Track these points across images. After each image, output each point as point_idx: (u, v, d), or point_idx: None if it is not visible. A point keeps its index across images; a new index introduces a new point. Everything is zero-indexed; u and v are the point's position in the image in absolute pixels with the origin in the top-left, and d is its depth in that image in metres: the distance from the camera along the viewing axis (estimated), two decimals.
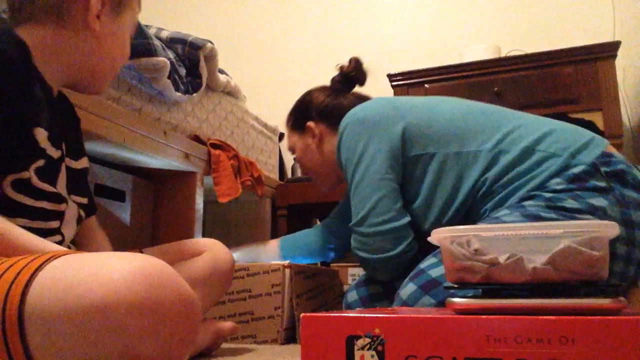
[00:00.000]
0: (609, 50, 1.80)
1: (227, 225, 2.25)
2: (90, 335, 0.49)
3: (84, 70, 0.83)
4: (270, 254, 1.42)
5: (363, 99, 1.29)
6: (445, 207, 1.02)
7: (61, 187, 0.77)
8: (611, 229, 0.49)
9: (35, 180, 0.71)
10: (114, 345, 0.49)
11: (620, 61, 1.92)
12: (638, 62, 1.97)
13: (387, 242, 1.02)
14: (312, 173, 1.36)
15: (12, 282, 0.53)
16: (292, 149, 1.37)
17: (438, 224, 1.02)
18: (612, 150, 0.95)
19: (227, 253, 1.02)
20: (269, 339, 1.11)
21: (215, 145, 1.65)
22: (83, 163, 0.87)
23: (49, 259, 0.55)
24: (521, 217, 0.87)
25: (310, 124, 1.29)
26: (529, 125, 1.00)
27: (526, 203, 0.90)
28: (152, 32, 1.42)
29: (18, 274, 0.53)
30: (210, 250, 1.00)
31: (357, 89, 1.35)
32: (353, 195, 1.07)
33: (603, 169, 0.90)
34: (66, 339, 0.50)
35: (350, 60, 1.33)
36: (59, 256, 0.56)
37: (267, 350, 1.00)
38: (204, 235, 1.66)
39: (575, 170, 0.90)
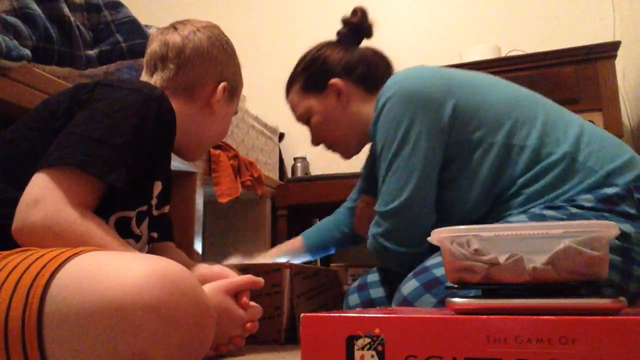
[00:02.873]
0: (609, 50, 1.81)
1: (227, 225, 2.25)
2: (104, 334, 0.49)
3: (193, 139, 0.96)
4: (298, 253, 1.36)
5: (380, 54, 1.19)
6: (480, 200, 0.95)
7: (144, 227, 0.87)
8: (611, 229, 0.49)
9: (133, 223, 0.81)
10: (127, 346, 0.49)
11: (620, 61, 1.92)
12: (638, 62, 1.97)
13: (416, 237, 0.95)
14: (333, 139, 1.20)
15: (37, 274, 0.54)
16: (305, 116, 1.19)
17: (469, 216, 0.97)
18: None
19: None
20: (269, 339, 1.11)
21: (215, 146, 1.65)
22: (164, 209, 0.97)
23: (75, 254, 0.56)
24: None
25: (336, 80, 1.13)
26: (571, 123, 0.95)
27: (548, 213, 0.86)
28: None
29: (43, 267, 0.55)
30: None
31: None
32: (388, 178, 0.97)
33: (636, 195, 0.85)
34: (80, 336, 0.50)
35: (356, 11, 1.19)
36: (85, 252, 0.57)
37: (267, 350, 1.00)
38: (204, 235, 1.66)
39: (609, 191, 0.86)
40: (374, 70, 1.15)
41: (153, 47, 0.96)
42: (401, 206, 0.95)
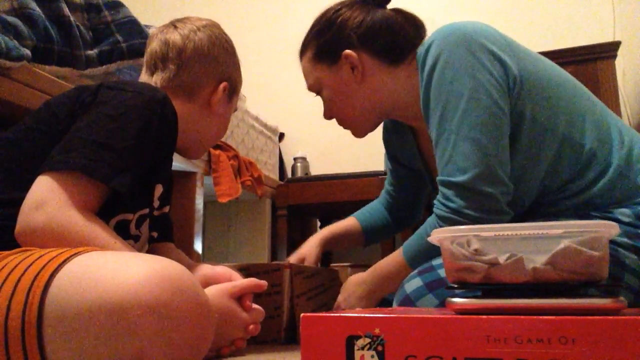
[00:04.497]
0: (609, 50, 1.80)
1: (227, 225, 2.25)
2: (104, 334, 0.49)
3: (193, 139, 0.96)
4: (356, 240, 1.26)
5: (415, 18, 1.03)
6: (532, 188, 0.86)
7: (145, 228, 0.87)
8: (611, 229, 0.49)
9: (132, 225, 0.81)
10: (126, 346, 0.49)
11: (620, 61, 1.92)
12: (638, 62, 1.97)
13: (504, 205, 0.83)
14: (345, 116, 1.06)
15: (37, 274, 0.54)
16: (316, 87, 1.06)
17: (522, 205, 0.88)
18: None
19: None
20: (269, 339, 1.11)
21: (215, 145, 1.65)
22: (165, 209, 0.97)
23: (74, 254, 0.56)
24: None
25: (349, 52, 0.98)
26: (624, 129, 0.88)
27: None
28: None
29: (43, 267, 0.55)
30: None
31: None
32: (456, 140, 0.83)
33: None
34: (80, 336, 0.50)
35: None
36: (85, 252, 0.57)
37: (267, 350, 1.00)
38: (204, 235, 1.66)
39: None
40: (400, 38, 0.98)
41: (153, 46, 0.95)
42: (483, 172, 0.81)
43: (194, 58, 0.93)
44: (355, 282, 1.04)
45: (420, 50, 0.91)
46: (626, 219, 0.79)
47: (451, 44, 0.85)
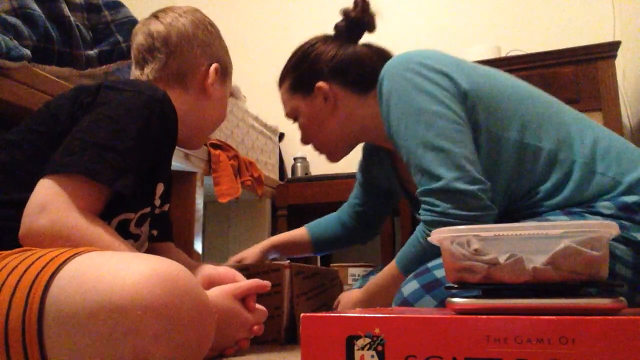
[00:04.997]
0: (609, 50, 1.81)
1: (227, 225, 2.25)
2: (105, 334, 0.49)
3: (194, 128, 0.96)
4: (304, 249, 1.32)
5: (383, 52, 1.10)
6: (500, 197, 0.89)
7: (146, 227, 0.86)
8: (611, 229, 0.49)
9: (133, 224, 0.81)
10: (127, 346, 0.49)
11: (620, 61, 1.92)
12: (638, 62, 1.97)
13: (487, 201, 0.84)
14: (319, 142, 1.14)
15: (38, 274, 0.54)
16: (292, 115, 1.14)
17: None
18: None
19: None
20: (269, 339, 1.11)
21: (215, 145, 1.65)
22: (165, 208, 0.96)
23: (75, 254, 0.56)
24: None
25: (322, 84, 1.07)
26: (586, 127, 0.90)
27: (562, 218, 0.83)
28: None
29: (43, 267, 0.55)
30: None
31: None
32: (423, 152, 0.86)
33: None
34: (81, 336, 0.50)
35: (357, 2, 1.10)
36: (85, 252, 0.57)
37: (267, 350, 1.00)
38: (204, 235, 1.66)
39: (628, 199, 0.82)
40: (368, 70, 1.05)
41: (138, 39, 0.94)
42: (454, 177, 0.84)
43: (180, 44, 0.93)
44: (350, 295, 1.07)
45: (378, 81, 0.97)
46: (608, 212, 0.81)
47: (398, 69, 0.92)
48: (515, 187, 0.89)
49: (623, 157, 0.87)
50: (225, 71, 1.00)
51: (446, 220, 0.84)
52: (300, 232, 1.34)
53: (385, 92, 0.93)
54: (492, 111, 0.89)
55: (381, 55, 1.09)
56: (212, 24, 1.00)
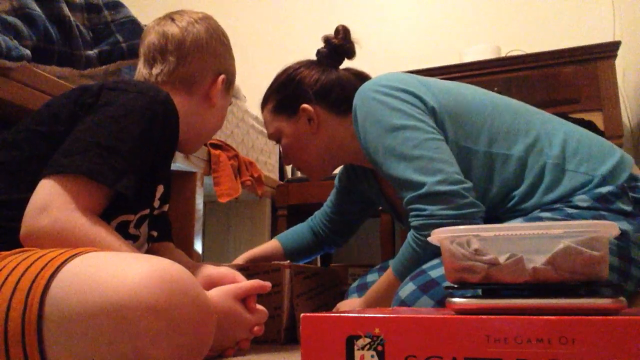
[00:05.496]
0: (609, 50, 1.81)
1: (227, 225, 2.25)
2: (105, 334, 0.49)
3: (192, 132, 0.96)
4: (276, 258, 1.35)
5: (362, 75, 1.17)
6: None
7: (145, 228, 0.86)
8: (611, 229, 0.49)
9: (132, 226, 0.81)
10: (127, 347, 0.49)
11: (620, 61, 1.92)
12: (638, 62, 1.97)
13: (473, 198, 0.87)
14: (303, 162, 1.18)
15: (38, 275, 0.54)
16: (276, 136, 1.18)
17: None
18: (638, 172, 0.90)
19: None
20: (269, 339, 1.11)
21: (215, 145, 1.65)
22: (164, 208, 0.97)
23: (74, 255, 0.56)
24: None
25: (306, 106, 1.12)
26: (555, 130, 0.94)
27: (544, 215, 0.86)
28: None
29: (43, 268, 0.55)
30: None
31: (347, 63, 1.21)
32: (404, 166, 0.90)
33: (631, 193, 0.85)
34: (80, 336, 0.50)
35: (338, 30, 1.17)
36: (85, 253, 0.57)
37: (267, 350, 1.00)
38: (204, 235, 1.66)
39: (603, 190, 0.85)
40: (350, 93, 1.08)
41: (150, 38, 0.94)
42: (436, 180, 0.87)
43: (193, 51, 0.93)
44: (349, 304, 1.08)
45: (353, 106, 1.02)
46: (585, 204, 0.85)
47: (369, 93, 0.97)
48: (492, 196, 0.92)
49: (593, 153, 0.90)
50: (230, 82, 1.02)
51: (435, 221, 0.85)
52: (272, 245, 1.37)
53: (360, 117, 0.98)
54: (460, 126, 0.94)
55: (362, 79, 1.14)
56: (224, 35, 1.01)
